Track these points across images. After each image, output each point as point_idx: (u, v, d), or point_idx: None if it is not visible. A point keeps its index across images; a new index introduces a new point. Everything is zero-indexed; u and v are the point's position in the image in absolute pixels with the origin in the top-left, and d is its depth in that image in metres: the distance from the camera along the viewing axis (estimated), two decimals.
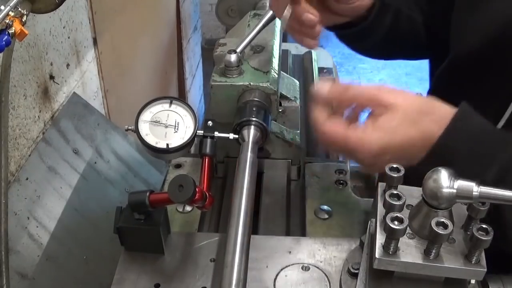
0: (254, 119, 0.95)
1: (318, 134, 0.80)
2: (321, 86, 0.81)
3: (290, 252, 0.87)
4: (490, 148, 0.74)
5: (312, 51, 1.87)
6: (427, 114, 0.76)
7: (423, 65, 1.13)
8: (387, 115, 0.75)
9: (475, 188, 0.64)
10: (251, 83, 1.02)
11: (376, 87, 0.79)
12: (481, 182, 0.64)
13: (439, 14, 1.00)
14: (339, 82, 0.83)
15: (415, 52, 1.13)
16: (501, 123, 0.83)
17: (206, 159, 0.89)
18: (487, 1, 0.87)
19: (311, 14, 0.86)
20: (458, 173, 0.64)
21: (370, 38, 1.02)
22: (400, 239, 0.67)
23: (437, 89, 0.98)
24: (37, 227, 1.00)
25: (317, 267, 0.84)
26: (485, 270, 0.66)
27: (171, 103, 0.88)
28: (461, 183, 0.64)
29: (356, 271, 0.80)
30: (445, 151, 0.74)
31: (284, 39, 1.91)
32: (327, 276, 0.83)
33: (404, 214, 0.67)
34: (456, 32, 0.94)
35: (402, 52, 1.14)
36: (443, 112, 0.76)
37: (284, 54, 1.70)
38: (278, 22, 1.25)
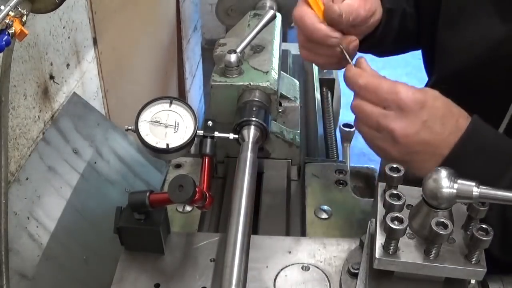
0: (254, 119, 0.95)
1: (359, 87, 0.83)
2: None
3: (290, 252, 0.87)
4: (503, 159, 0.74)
5: None
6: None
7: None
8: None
9: (475, 188, 0.64)
10: (251, 83, 1.02)
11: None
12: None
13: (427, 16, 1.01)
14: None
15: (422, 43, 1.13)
16: None
17: (206, 159, 0.89)
18: (468, 23, 0.87)
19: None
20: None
21: (382, 46, 1.02)
22: (400, 239, 0.67)
23: None
24: (37, 227, 1.00)
25: (317, 267, 0.84)
26: (485, 270, 0.66)
27: (171, 103, 0.88)
28: (461, 183, 0.64)
29: (356, 271, 0.80)
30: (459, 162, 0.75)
31: (284, 39, 1.91)
32: (327, 276, 0.83)
33: (404, 214, 0.67)
34: (440, 53, 0.95)
35: (411, 46, 1.14)
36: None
37: (284, 54, 1.70)
38: (278, 22, 1.25)
